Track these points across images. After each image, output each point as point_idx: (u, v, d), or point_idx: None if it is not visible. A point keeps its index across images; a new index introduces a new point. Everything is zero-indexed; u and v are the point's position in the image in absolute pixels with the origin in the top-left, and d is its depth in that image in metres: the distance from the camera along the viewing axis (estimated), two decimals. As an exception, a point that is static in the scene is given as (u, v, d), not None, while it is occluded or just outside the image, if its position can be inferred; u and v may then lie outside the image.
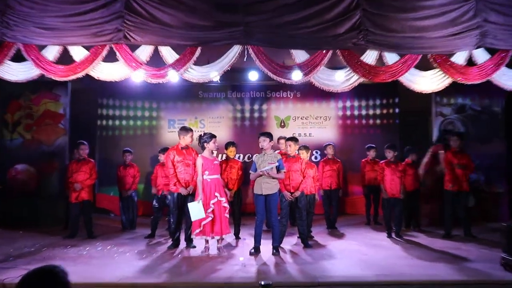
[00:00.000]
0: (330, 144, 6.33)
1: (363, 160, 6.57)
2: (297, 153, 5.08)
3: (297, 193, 4.84)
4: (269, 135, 4.50)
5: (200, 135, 4.58)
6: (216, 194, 4.35)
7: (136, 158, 6.42)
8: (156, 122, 7.66)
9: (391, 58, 4.67)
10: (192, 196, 4.59)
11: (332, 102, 7.71)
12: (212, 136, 4.52)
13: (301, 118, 7.66)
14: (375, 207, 6.49)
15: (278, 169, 4.38)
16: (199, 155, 4.51)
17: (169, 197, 4.76)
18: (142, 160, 6.97)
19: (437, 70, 4.69)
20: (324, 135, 7.53)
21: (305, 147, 5.40)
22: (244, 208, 6.35)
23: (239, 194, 5.49)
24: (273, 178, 4.35)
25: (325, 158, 6.31)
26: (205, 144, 4.50)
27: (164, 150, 5.71)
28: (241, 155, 7.44)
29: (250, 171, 4.38)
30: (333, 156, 6.30)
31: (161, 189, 5.54)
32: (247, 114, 7.68)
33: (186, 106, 7.65)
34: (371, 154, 6.52)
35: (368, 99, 7.65)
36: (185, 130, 4.84)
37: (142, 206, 7.03)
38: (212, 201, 4.29)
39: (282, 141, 5.63)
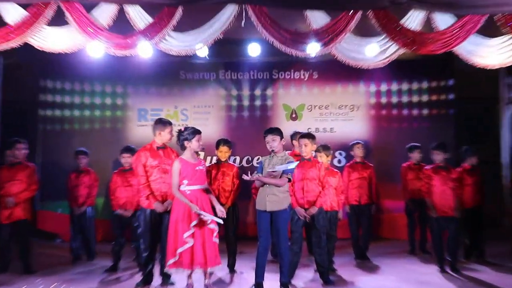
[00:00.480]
0: (358, 143, 6.34)
1: (404, 164, 6.62)
2: (313, 155, 5.15)
3: (314, 210, 4.86)
4: (279, 132, 4.51)
5: (180, 131, 4.51)
6: (199, 212, 4.28)
7: (93, 162, 6.42)
8: (121, 113, 7.64)
9: (443, 21, 4.64)
10: (168, 214, 4.57)
11: (362, 85, 7.71)
12: (195, 132, 4.46)
13: (320, 108, 7.69)
14: (421, 229, 6.52)
15: (283, 173, 4.39)
16: (177, 158, 4.54)
17: (140, 215, 4.79)
18: (101, 164, 6.95)
19: (509, 37, 4.64)
20: (351, 131, 7.53)
21: (325, 148, 5.45)
22: (242, 230, 6.37)
23: (234, 211, 5.53)
24: (275, 184, 4.34)
25: (351, 162, 6.34)
26: (185, 142, 4.45)
27: (128, 150, 5.81)
28: (238, 158, 7.47)
29: (256, 173, 4.39)
30: (363, 160, 6.32)
31: (124, 204, 5.63)
32: (246, 102, 7.68)
33: (163, 91, 7.64)
34: (415, 156, 6.56)
35: (412, 80, 7.67)
36: (161, 123, 4.85)
37: (101, 227, 6.99)
38: (192, 223, 4.25)
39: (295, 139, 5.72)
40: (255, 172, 4.36)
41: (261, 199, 4.42)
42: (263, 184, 4.39)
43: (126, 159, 5.77)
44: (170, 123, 4.89)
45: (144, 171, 4.68)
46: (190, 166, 4.38)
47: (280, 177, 4.37)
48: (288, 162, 4.38)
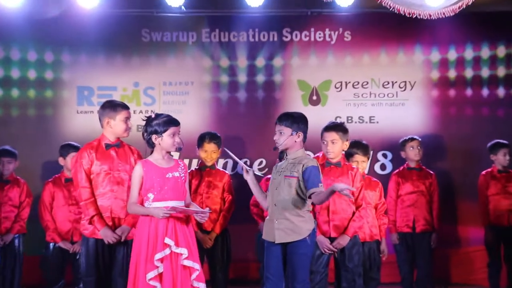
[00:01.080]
0: (413, 140, 6.43)
1: (483, 172, 6.68)
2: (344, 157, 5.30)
3: (344, 241, 4.96)
4: (290, 121, 4.51)
5: (148, 119, 4.54)
6: (168, 241, 4.35)
7: (18, 168, 6.50)
8: (52, 93, 7.61)
9: None
10: (126, 246, 4.72)
11: (418, 51, 7.58)
12: (169, 123, 4.48)
13: (354, 86, 7.61)
14: (510, 272, 6.52)
15: (307, 183, 4.39)
16: (141, 160, 4.64)
17: (82, 248, 4.89)
18: (27, 171, 6.93)
19: None
20: (402, 121, 7.48)
21: (362, 146, 5.58)
22: (237, 271, 6.54)
23: (225, 241, 5.71)
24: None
25: (402, 169, 6.44)
26: (154, 137, 4.47)
27: (71, 148, 5.93)
28: (230, 161, 7.37)
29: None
30: (420, 165, 6.41)
31: (68, 233, 5.83)
32: (243, 78, 7.64)
33: (116, 60, 7.62)
34: (501, 160, 6.59)
35: (496, 43, 7.51)
36: (111, 108, 4.92)
37: (29, 264, 6.63)
38: (158, 255, 4.31)
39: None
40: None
41: (267, 225, 4.49)
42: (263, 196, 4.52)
43: (69, 162, 5.85)
44: (124, 107, 4.92)
45: (87, 181, 4.75)
46: (159, 173, 4.44)
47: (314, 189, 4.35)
48: (306, 170, 4.36)
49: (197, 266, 4.38)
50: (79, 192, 4.78)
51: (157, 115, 4.53)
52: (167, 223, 4.34)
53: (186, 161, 7.20)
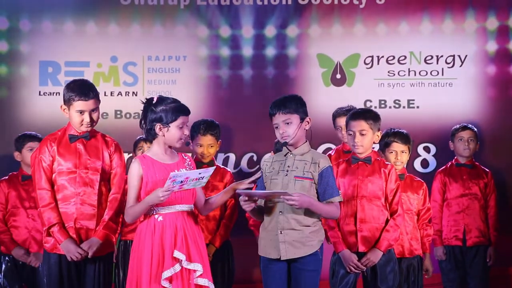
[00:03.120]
0: (465, 129, 6.24)
1: None
2: (375, 150, 5.33)
3: (376, 255, 4.81)
4: (297, 107, 4.44)
5: (150, 102, 4.43)
6: (178, 255, 4.21)
7: None
8: (7, 70, 7.24)
9: None
10: (99, 262, 4.68)
11: (470, 17, 7.16)
12: (179, 111, 4.41)
13: (388, 62, 7.22)
14: None
15: (322, 195, 4.38)
16: (137, 156, 4.73)
17: (42, 266, 4.87)
18: None
19: None
20: (449, 107, 7.16)
21: (401, 137, 5.45)
22: None
23: (226, 256, 5.66)
24: (308, 215, 4.31)
25: (449, 165, 6.28)
26: (158, 127, 4.36)
27: (26, 139, 5.93)
28: (232, 156, 7.19)
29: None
30: (472, 160, 6.23)
31: (25, 242, 5.83)
32: (248, 51, 7.26)
33: (88, 27, 7.21)
34: None
35: None
36: (81, 90, 4.76)
37: None
38: (166, 273, 4.22)
39: (342, 122, 5.75)
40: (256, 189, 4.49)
41: (266, 238, 4.37)
42: (268, 208, 4.38)
43: (26, 157, 5.80)
44: (89, 87, 4.77)
45: (46, 181, 4.67)
46: (162, 170, 4.35)
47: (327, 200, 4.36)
48: (323, 172, 4.35)
49: (213, 286, 4.34)
50: (36, 196, 4.71)
51: (162, 99, 4.45)
52: (175, 231, 4.28)
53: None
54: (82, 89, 4.71)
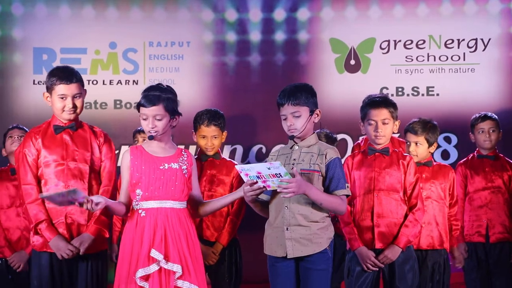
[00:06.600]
0: (486, 119, 6.14)
1: None
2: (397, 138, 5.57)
3: (394, 252, 4.83)
4: (306, 98, 4.42)
5: (159, 88, 4.45)
6: (155, 254, 4.21)
7: None
8: (0, 57, 7.31)
9: None
10: (92, 260, 4.72)
11: None
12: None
13: (406, 45, 7.26)
14: None
15: (327, 188, 4.37)
16: (130, 147, 4.64)
17: (33, 265, 4.85)
18: None
19: None
20: (471, 94, 7.17)
21: (423, 126, 5.47)
22: None
23: (233, 256, 5.62)
24: (314, 207, 4.32)
25: (471, 156, 6.21)
26: (175, 120, 4.51)
27: (8, 131, 6.03)
28: (241, 148, 7.23)
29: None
30: (495, 151, 6.14)
31: (16, 242, 5.86)
32: (256, 36, 7.31)
33: (86, 12, 7.22)
34: None
35: None
36: (63, 74, 4.77)
37: None
38: (139, 272, 4.23)
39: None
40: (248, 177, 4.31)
41: (271, 235, 4.38)
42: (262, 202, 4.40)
43: (9, 147, 5.94)
44: (71, 71, 4.77)
45: (32, 177, 4.71)
46: (150, 162, 4.40)
47: (329, 191, 4.37)
48: (330, 163, 4.37)
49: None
50: (21, 192, 4.75)
51: (163, 87, 4.50)
52: (155, 228, 4.28)
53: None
54: (64, 72, 4.72)
